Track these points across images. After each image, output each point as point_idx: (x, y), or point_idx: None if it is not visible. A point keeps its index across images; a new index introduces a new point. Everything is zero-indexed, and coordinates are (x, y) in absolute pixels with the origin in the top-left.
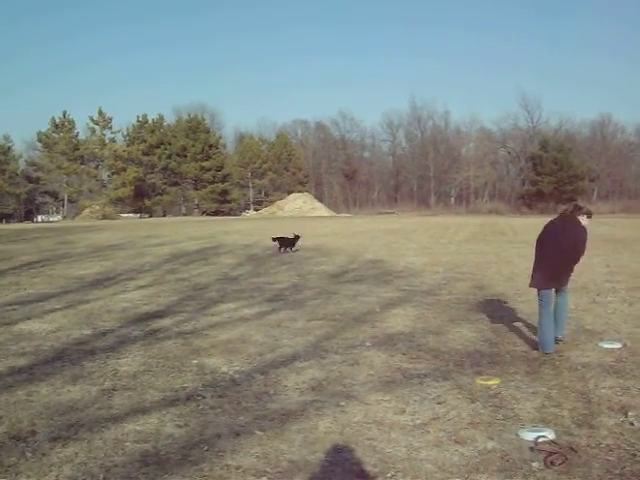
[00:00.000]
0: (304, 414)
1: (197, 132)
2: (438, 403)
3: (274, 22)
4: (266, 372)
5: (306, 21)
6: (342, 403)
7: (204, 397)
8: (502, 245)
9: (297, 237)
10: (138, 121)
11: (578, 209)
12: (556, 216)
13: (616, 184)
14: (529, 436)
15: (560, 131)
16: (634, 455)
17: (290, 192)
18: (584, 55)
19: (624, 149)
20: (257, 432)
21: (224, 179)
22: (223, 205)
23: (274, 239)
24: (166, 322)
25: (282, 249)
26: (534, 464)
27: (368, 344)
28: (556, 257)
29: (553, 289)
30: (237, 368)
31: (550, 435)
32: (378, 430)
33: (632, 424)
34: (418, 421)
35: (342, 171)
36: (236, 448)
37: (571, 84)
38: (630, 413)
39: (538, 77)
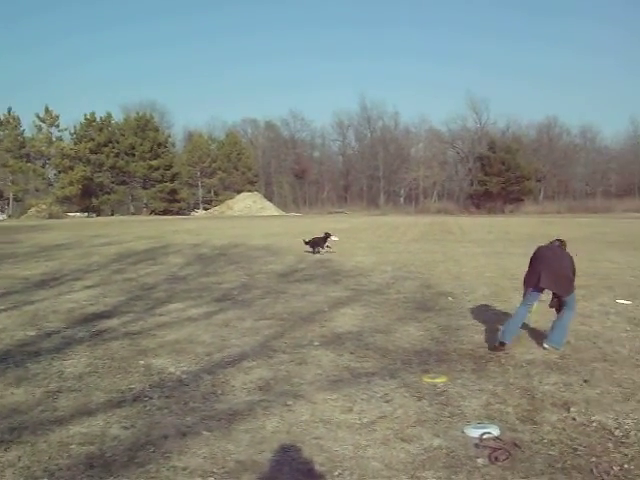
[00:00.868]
0: (251, 414)
1: (146, 130)
2: (385, 401)
3: (225, 25)
4: (214, 372)
5: (256, 24)
6: (289, 402)
7: (151, 398)
8: (450, 244)
9: (328, 235)
10: (86, 119)
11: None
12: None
13: (562, 184)
14: (474, 433)
15: (508, 132)
16: (575, 449)
17: (240, 191)
18: (530, 58)
19: (569, 151)
20: (204, 432)
21: (173, 178)
22: (172, 204)
23: (306, 242)
24: (113, 322)
25: (315, 249)
26: (479, 460)
27: (316, 343)
28: (547, 267)
29: (538, 293)
30: (184, 368)
31: (495, 431)
32: (325, 429)
33: (574, 419)
34: (365, 419)
35: (292, 170)
36: (183, 449)
37: (518, 86)
38: (572, 409)
39: (486, 79)
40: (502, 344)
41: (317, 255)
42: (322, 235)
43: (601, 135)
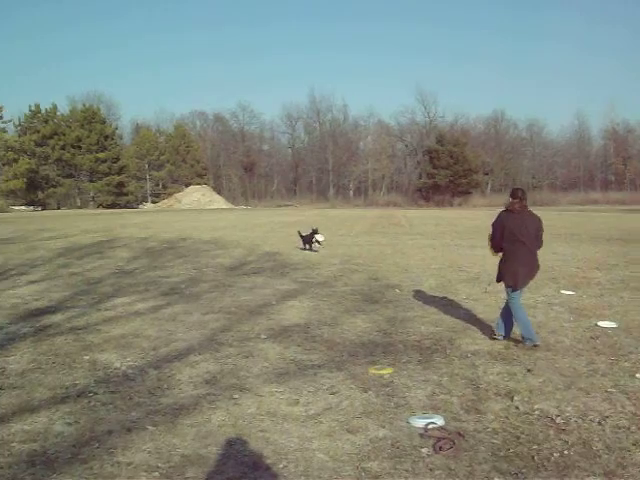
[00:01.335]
0: (197, 408)
1: (92, 123)
2: (331, 393)
3: (173, 18)
4: (160, 367)
5: (204, 18)
6: (236, 396)
7: (96, 393)
8: (398, 237)
9: (315, 231)
10: (30, 110)
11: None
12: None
13: (509, 178)
14: (419, 423)
15: (456, 126)
16: (518, 437)
17: (188, 184)
18: (478, 51)
19: (516, 144)
20: (149, 427)
21: (120, 171)
22: (120, 198)
23: (301, 236)
24: (57, 318)
25: (310, 245)
26: (423, 450)
27: (263, 336)
28: (523, 249)
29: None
30: (130, 363)
31: (439, 421)
32: (271, 422)
33: (517, 408)
34: (311, 412)
35: (241, 163)
36: (128, 444)
37: (466, 81)
38: (516, 398)
39: (434, 73)
40: (535, 345)
41: (266, 248)
42: (309, 231)
43: (547, 129)
